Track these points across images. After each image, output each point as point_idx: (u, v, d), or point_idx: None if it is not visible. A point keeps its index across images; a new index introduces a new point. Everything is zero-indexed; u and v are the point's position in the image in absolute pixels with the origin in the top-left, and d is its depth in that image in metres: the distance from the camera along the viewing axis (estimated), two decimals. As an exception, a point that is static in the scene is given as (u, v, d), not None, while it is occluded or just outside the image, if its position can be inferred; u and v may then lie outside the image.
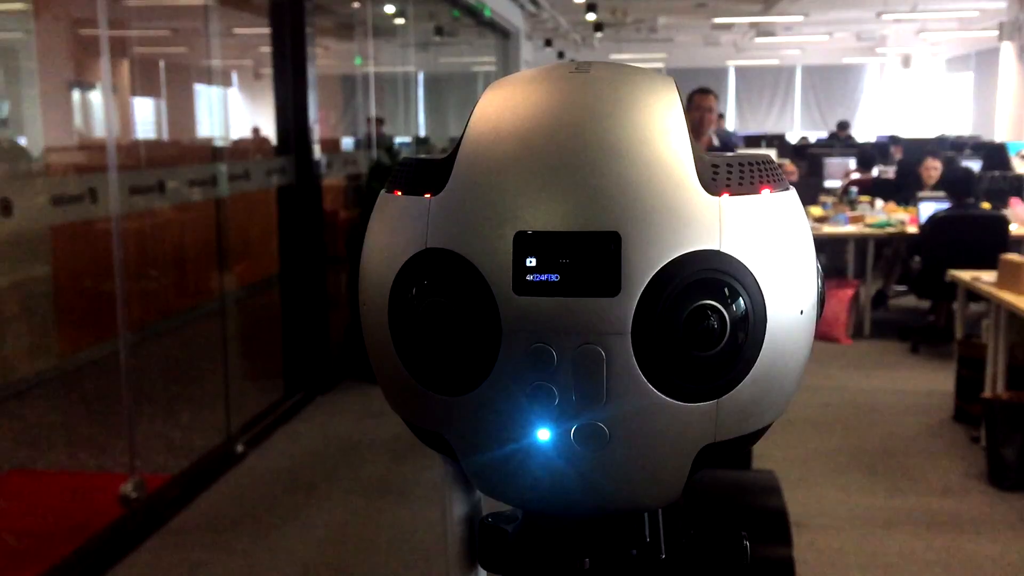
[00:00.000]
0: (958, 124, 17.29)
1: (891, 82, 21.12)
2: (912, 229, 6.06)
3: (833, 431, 4.22)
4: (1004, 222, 5.48)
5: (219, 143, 4.60)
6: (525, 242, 0.46)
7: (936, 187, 6.55)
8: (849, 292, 5.96)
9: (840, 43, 17.24)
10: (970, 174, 6.16)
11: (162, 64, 7.79)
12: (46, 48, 4.54)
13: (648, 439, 0.48)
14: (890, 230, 6.18)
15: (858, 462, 3.84)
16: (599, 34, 14.50)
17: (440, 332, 0.48)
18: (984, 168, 7.93)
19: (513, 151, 0.48)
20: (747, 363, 0.48)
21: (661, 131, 0.48)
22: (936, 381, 4.91)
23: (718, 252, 0.46)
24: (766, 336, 0.48)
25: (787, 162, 8.74)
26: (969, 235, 5.34)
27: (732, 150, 3.57)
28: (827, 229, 6.21)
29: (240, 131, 7.43)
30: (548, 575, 0.56)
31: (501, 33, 10.82)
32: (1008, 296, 3.82)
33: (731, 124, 21.05)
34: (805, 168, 8.96)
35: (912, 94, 20.48)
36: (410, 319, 0.49)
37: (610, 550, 0.55)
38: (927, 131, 16.61)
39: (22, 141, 3.99)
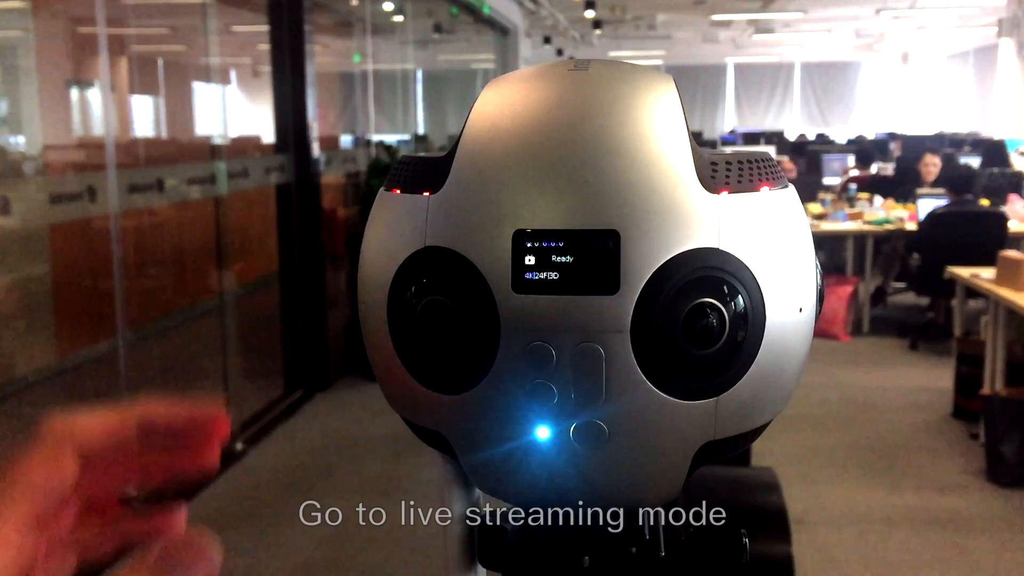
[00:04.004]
0: (957, 121, 17.28)
1: (890, 79, 21.12)
2: (911, 226, 6.05)
3: (832, 428, 4.22)
4: (1003, 219, 5.48)
5: (217, 141, 4.60)
6: (524, 240, 0.46)
7: (935, 184, 6.55)
8: (848, 289, 5.97)
9: (839, 40, 17.23)
10: (969, 171, 6.16)
11: (160, 62, 7.79)
12: (44, 46, 4.53)
13: (647, 437, 0.48)
14: (889, 227, 6.18)
15: (857, 459, 3.85)
16: (598, 31, 14.49)
17: (439, 330, 0.48)
18: (983, 165, 7.93)
19: (512, 149, 0.48)
20: (746, 361, 0.47)
21: (660, 129, 0.48)
22: (935, 378, 4.91)
23: (717, 250, 0.46)
24: (765, 334, 0.48)
25: (786, 159, 8.74)
26: (968, 232, 5.34)
27: None
28: (826, 226, 6.21)
29: (239, 129, 7.42)
30: (547, 573, 0.56)
31: (500, 30, 10.80)
32: (1007, 293, 3.82)
33: (730, 121, 21.08)
34: (804, 165, 8.96)
35: (911, 91, 20.48)
36: (409, 317, 0.49)
37: (609, 548, 0.55)
38: (926, 128, 16.62)
39: (20, 139, 3.98)
